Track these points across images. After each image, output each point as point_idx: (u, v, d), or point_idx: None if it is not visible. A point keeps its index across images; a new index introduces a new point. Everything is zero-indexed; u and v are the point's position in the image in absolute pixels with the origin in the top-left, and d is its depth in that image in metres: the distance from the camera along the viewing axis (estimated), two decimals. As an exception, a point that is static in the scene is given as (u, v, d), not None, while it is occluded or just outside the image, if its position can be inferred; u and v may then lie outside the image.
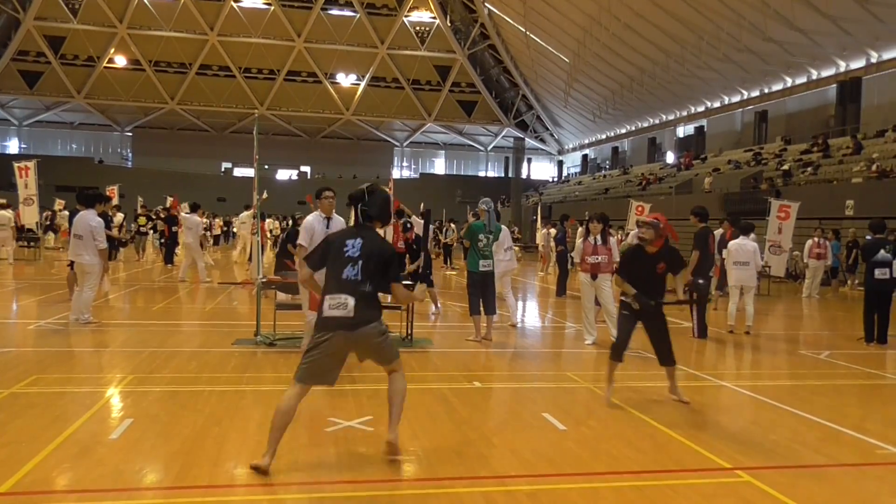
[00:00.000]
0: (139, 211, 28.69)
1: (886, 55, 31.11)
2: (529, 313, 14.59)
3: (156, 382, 7.09)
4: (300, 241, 8.44)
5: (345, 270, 4.87)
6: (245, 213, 22.25)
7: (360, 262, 4.88)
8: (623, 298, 6.99)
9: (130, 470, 4.69)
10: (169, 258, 22.55)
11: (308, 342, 5.07)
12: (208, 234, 27.83)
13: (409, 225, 14.41)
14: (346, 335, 4.83)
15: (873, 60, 31.79)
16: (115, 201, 23.79)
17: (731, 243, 12.07)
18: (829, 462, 5.37)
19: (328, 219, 8.47)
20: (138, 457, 4.95)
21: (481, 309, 10.26)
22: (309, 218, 8.58)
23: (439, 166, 70.31)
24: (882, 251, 10.99)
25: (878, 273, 10.99)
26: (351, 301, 4.82)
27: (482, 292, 10.31)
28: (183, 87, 58.96)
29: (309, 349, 4.92)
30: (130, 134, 64.01)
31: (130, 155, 64.02)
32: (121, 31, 55.82)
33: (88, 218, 10.64)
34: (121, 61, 57.41)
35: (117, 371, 7.63)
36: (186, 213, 18.86)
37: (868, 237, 11.36)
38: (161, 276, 19.01)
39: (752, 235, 12.47)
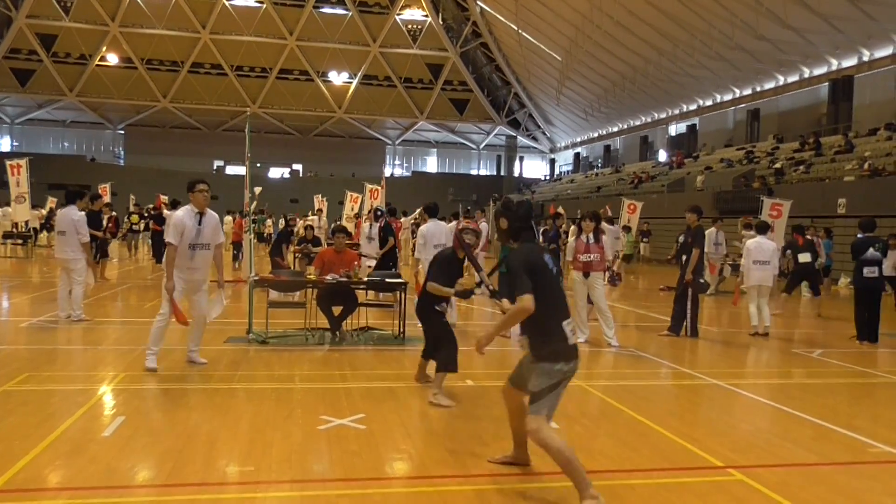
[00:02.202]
0: (131, 209, 28.61)
1: (878, 53, 31.22)
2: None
3: (148, 380, 7.07)
4: (169, 238, 7.44)
5: (561, 290, 4.47)
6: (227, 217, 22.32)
7: (559, 278, 4.52)
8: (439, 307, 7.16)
9: (122, 467, 4.68)
10: (159, 256, 22.41)
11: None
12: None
13: (379, 213, 14.79)
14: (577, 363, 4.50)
15: (865, 59, 31.91)
16: (106, 199, 23.71)
17: (750, 242, 11.84)
18: (820, 460, 5.39)
19: (201, 214, 7.60)
20: (130, 454, 4.93)
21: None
22: (178, 213, 7.61)
23: (431, 164, 70.27)
24: (871, 249, 11.02)
25: (867, 271, 11.02)
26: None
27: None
28: (175, 86, 58.76)
29: (553, 384, 4.36)
30: (122, 132, 63.76)
31: (122, 153, 63.77)
32: (113, 29, 55.60)
33: (71, 213, 10.72)
34: (113, 59, 57.18)
35: (109, 369, 7.60)
36: (169, 210, 18.90)
37: (859, 235, 11.38)
38: (153, 274, 18.95)
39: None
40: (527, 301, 4.24)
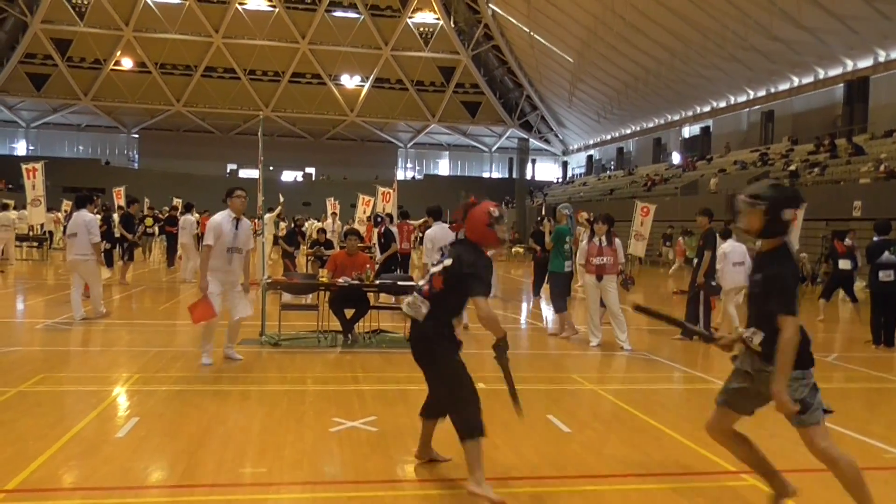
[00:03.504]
0: (146, 212, 28.77)
1: (894, 54, 30.94)
2: (535, 315, 14.57)
3: (161, 382, 7.11)
4: (206, 241, 7.90)
5: None
6: (268, 215, 22.34)
7: None
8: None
9: (136, 468, 4.71)
10: (171, 259, 22.45)
11: None
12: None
13: (378, 219, 14.97)
14: None
15: (881, 59, 31.62)
16: (120, 203, 23.91)
17: (726, 244, 11.70)
18: (834, 464, 5.33)
19: (237, 219, 8.04)
20: (144, 455, 4.96)
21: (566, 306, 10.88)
22: (216, 217, 8.08)
23: (443, 167, 70.24)
24: (886, 253, 10.90)
25: (883, 275, 10.88)
26: None
27: (566, 291, 11.04)
28: (188, 90, 59.06)
29: (812, 388, 3.92)
30: (137, 136, 64.11)
31: (137, 156, 64.16)
32: (127, 33, 55.95)
33: (83, 215, 10.95)
34: (127, 64, 57.54)
35: (123, 370, 7.65)
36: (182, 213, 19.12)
37: (874, 238, 11.26)
38: (167, 277, 19.06)
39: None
40: (794, 328, 3.60)
